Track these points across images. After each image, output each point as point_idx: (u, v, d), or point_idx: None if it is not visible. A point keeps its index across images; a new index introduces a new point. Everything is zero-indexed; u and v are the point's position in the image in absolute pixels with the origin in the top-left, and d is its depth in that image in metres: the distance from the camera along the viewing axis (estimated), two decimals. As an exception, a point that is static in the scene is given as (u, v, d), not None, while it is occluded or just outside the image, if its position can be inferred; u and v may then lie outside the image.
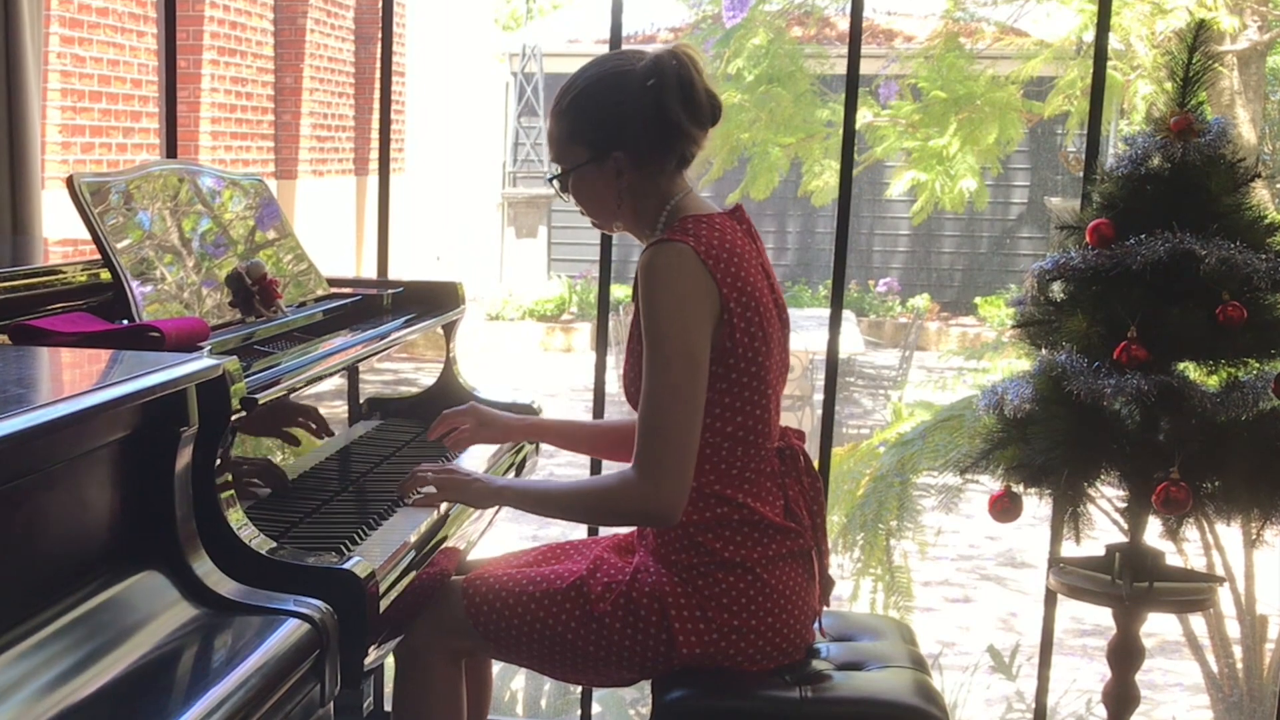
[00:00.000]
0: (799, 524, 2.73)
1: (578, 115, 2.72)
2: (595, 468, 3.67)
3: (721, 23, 9.82)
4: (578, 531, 3.70)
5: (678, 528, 2.67)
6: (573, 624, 2.72)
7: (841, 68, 3.73)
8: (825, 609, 2.87)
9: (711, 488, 2.67)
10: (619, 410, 10.60)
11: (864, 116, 8.90)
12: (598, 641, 2.71)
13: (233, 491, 2.31)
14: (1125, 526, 3.23)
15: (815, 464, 2.87)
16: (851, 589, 5.71)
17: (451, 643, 2.83)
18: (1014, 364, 6.80)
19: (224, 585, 2.17)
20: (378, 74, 5.02)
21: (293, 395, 2.78)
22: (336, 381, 3.21)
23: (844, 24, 10.62)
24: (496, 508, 3.05)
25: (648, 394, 2.57)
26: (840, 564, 5.64)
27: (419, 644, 2.80)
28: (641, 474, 2.58)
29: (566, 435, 3.27)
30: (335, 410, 3.23)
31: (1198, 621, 5.65)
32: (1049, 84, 9.21)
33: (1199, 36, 3.13)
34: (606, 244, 3.75)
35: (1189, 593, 3.25)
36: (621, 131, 2.67)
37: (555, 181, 2.79)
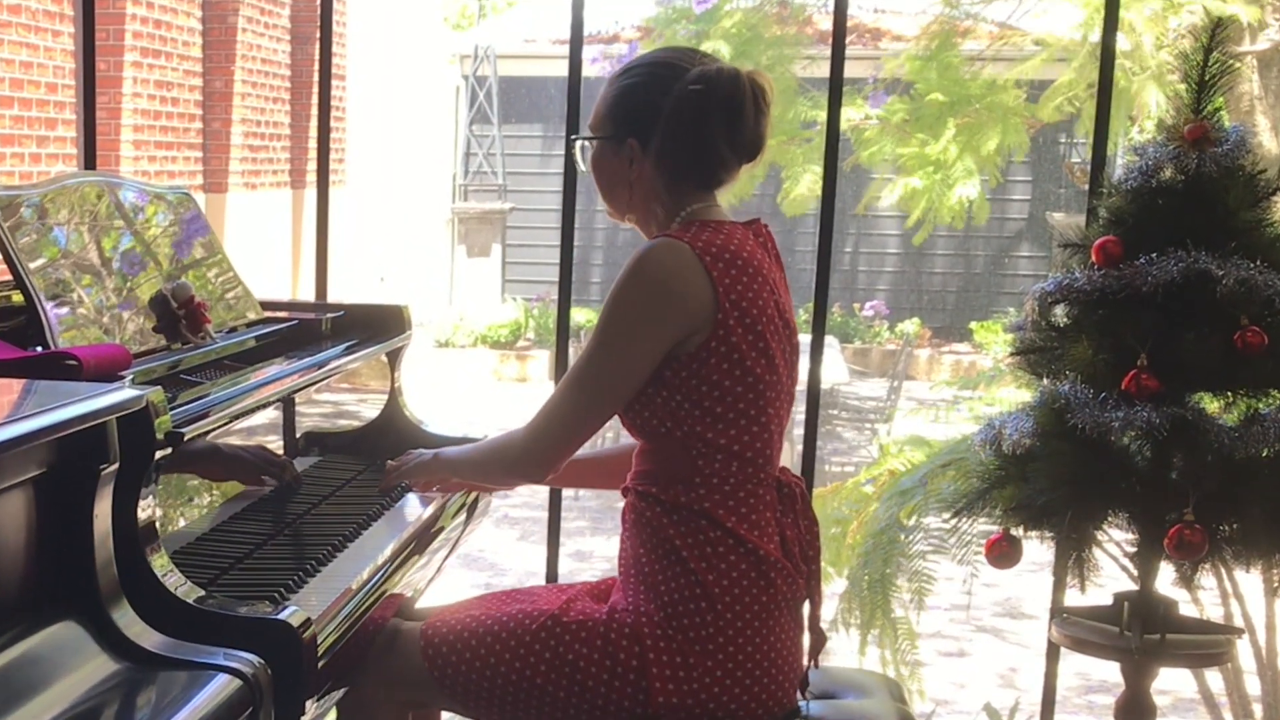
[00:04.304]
0: (794, 567, 2.74)
1: (619, 91, 2.86)
2: (555, 497, 3.71)
3: (692, 17, 9.82)
4: (538, 579, 3.70)
5: (670, 550, 2.70)
6: (543, 667, 2.73)
7: (823, 69, 3.74)
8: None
9: (701, 504, 2.69)
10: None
11: (850, 116, 8.87)
12: (569, 687, 2.71)
13: (157, 534, 2.31)
14: (1135, 573, 3.24)
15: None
16: (858, 644, 5.69)
17: (402, 694, 2.85)
18: (1013, 395, 6.82)
19: (147, 637, 2.16)
20: (316, 77, 5.02)
21: (224, 430, 2.78)
22: (271, 414, 3.20)
23: (826, 23, 10.64)
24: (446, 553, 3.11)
25: (572, 366, 2.78)
26: (832, 619, 5.63)
27: (366, 697, 2.80)
28: (525, 432, 2.82)
29: None
30: (270, 446, 3.21)
31: (1214, 677, 5.66)
32: (1051, 87, 9.21)
33: (1215, 36, 3.14)
34: (566, 264, 3.76)
35: (1204, 645, 3.26)
36: (641, 119, 2.80)
37: (576, 143, 2.99)
